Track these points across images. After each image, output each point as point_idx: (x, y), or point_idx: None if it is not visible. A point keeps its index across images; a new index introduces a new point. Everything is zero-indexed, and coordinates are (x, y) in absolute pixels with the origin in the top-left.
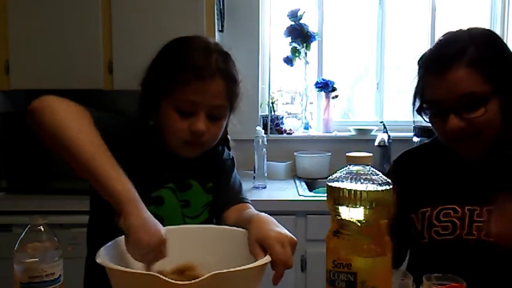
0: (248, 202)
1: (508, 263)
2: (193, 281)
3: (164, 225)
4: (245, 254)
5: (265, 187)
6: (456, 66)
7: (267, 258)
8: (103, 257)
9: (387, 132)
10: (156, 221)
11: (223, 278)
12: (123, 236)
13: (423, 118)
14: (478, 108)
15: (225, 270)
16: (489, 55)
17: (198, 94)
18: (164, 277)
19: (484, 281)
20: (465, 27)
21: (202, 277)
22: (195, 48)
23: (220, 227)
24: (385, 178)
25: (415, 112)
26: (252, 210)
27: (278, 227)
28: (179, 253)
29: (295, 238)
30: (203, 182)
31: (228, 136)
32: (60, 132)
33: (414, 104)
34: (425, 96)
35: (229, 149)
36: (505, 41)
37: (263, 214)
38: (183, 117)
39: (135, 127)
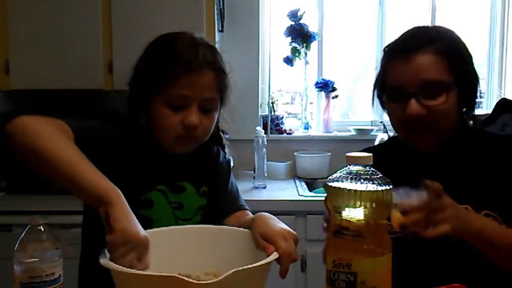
0: (247, 209)
1: (455, 259)
2: (216, 279)
3: (153, 227)
4: (239, 252)
5: (265, 187)
6: (423, 52)
7: (276, 254)
8: (108, 261)
9: (387, 132)
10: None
11: (242, 275)
12: None
13: (383, 108)
14: (439, 95)
15: (244, 267)
16: (453, 50)
17: (188, 87)
18: (185, 278)
19: (433, 276)
20: (429, 25)
21: (224, 275)
22: (181, 43)
23: (214, 227)
24: (385, 178)
25: (376, 109)
26: (251, 215)
27: (280, 224)
28: (175, 253)
29: (296, 234)
30: (197, 185)
31: (221, 133)
32: (35, 149)
33: (373, 98)
34: (388, 82)
35: (223, 147)
36: (505, 41)
37: (264, 213)
38: (175, 112)
39: (124, 128)
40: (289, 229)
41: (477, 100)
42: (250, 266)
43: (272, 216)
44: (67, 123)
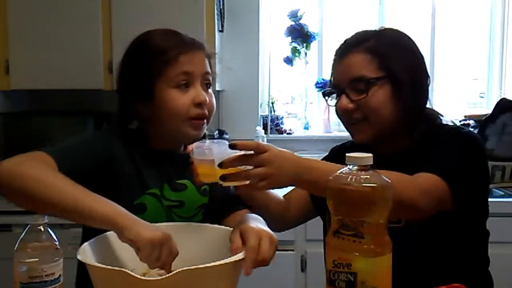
0: (246, 208)
1: (455, 259)
2: (160, 277)
3: None
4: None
5: None
6: (353, 51)
7: (240, 255)
8: (83, 253)
9: None
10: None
11: (193, 275)
12: (107, 233)
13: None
14: (364, 91)
15: (193, 267)
16: (387, 47)
17: (189, 64)
18: (131, 273)
19: (433, 276)
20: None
21: (169, 274)
22: (161, 35)
23: (204, 225)
24: (385, 178)
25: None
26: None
27: (263, 225)
28: None
29: (276, 237)
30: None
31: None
32: (26, 193)
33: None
34: (332, 83)
35: None
36: (505, 41)
37: (254, 214)
38: (182, 92)
39: (112, 134)
40: (270, 231)
41: (425, 98)
42: (200, 266)
43: (259, 217)
44: (48, 152)
